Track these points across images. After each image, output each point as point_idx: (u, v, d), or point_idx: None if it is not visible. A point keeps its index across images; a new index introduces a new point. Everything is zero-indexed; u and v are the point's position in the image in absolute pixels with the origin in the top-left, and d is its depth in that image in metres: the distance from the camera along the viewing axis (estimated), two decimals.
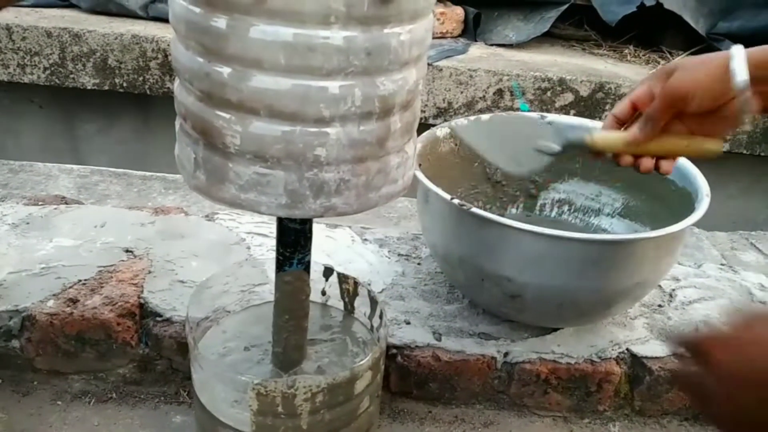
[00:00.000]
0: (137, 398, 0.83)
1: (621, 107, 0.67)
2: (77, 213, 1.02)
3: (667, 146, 0.66)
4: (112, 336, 0.80)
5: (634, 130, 0.65)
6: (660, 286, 0.98)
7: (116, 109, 1.72)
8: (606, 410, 0.86)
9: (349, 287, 0.77)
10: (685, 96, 0.60)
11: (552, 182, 1.04)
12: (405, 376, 0.83)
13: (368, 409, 0.66)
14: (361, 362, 0.61)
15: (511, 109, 1.51)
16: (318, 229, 1.04)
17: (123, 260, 0.91)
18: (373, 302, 0.74)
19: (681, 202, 0.86)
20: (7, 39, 1.55)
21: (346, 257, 0.98)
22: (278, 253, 0.61)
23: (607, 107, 1.56)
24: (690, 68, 0.61)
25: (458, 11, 1.81)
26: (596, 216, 1.03)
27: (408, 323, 0.86)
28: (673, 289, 0.98)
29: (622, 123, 0.69)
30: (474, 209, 0.74)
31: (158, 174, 1.37)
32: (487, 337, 0.85)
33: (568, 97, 1.55)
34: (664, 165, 0.68)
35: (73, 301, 0.82)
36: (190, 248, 0.94)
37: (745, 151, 1.61)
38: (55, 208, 1.03)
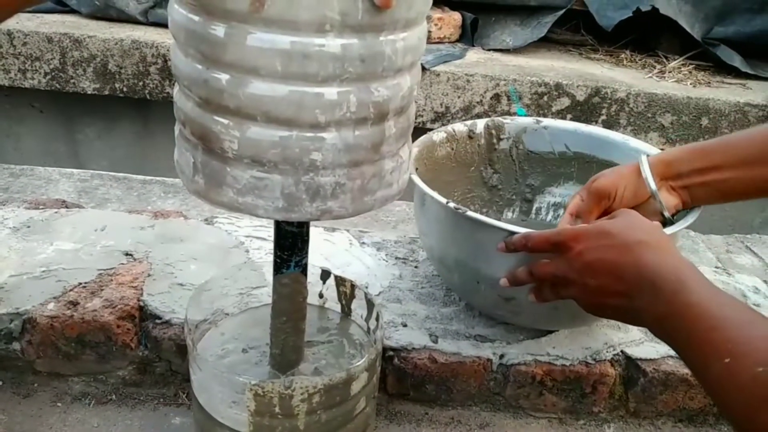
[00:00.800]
0: (137, 400, 0.84)
1: (562, 222, 0.76)
2: (77, 217, 1.03)
3: None
4: (112, 338, 0.81)
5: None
6: None
7: (116, 113, 1.73)
8: (601, 412, 0.87)
9: (346, 290, 0.78)
10: (608, 193, 0.70)
11: (547, 186, 1.05)
12: (402, 378, 0.83)
13: (365, 410, 0.67)
14: (358, 363, 0.62)
15: (508, 113, 1.52)
16: (316, 233, 1.05)
17: (123, 263, 0.92)
18: (370, 305, 0.75)
19: None
20: (8, 44, 1.56)
21: (344, 260, 0.99)
22: (276, 255, 0.62)
23: (604, 111, 1.57)
24: (610, 171, 0.73)
25: (456, 16, 1.83)
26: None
27: (405, 326, 0.87)
28: None
29: None
30: (469, 212, 0.75)
31: (158, 178, 1.38)
32: (483, 340, 0.86)
33: (565, 102, 1.56)
34: None
35: (74, 304, 0.83)
36: (189, 252, 0.95)
37: None
38: (56, 212, 1.04)
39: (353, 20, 0.46)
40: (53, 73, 1.59)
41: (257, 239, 1.01)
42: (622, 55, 1.86)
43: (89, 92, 1.61)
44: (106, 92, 1.60)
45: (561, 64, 1.73)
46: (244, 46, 0.46)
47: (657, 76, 1.72)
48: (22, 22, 1.61)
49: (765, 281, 1.06)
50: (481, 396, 0.86)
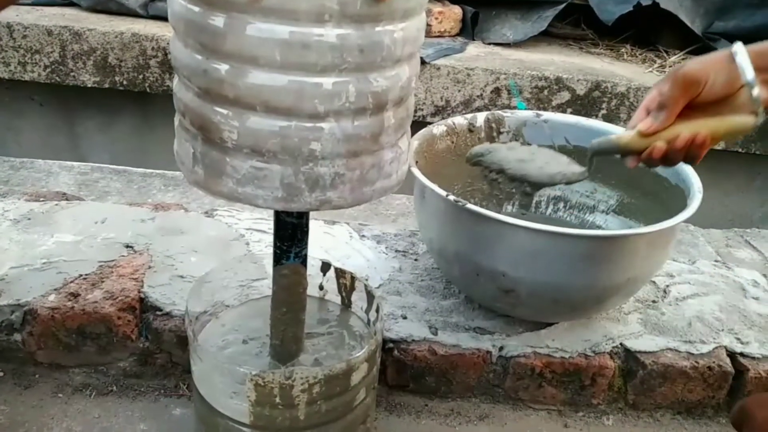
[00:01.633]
0: (137, 391, 0.84)
1: (636, 116, 0.68)
2: (78, 209, 1.03)
3: (696, 127, 0.63)
4: (112, 330, 0.82)
5: (648, 120, 0.64)
6: (654, 282, 1.00)
7: (116, 106, 1.73)
8: (600, 404, 0.87)
9: (346, 282, 0.78)
10: (698, 80, 0.61)
11: None
12: (401, 370, 0.84)
13: (364, 400, 0.67)
14: (358, 354, 0.62)
15: (508, 107, 1.52)
16: (316, 226, 1.05)
17: (123, 255, 0.92)
18: (370, 296, 0.75)
19: (674, 199, 0.87)
20: (8, 37, 1.56)
21: (344, 253, 0.99)
22: (275, 246, 0.63)
23: (604, 106, 1.57)
24: (699, 60, 0.63)
25: (456, 10, 1.82)
26: (591, 213, 1.04)
27: (405, 318, 0.87)
28: (667, 285, 1.00)
29: None
30: (469, 205, 0.75)
31: (158, 171, 1.38)
32: (482, 332, 0.86)
33: (565, 96, 1.56)
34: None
35: (74, 296, 0.83)
36: (189, 244, 0.96)
37: (740, 150, 1.62)
38: (56, 204, 1.04)
39: (352, 10, 0.46)
40: (53, 66, 1.59)
41: (257, 232, 1.02)
42: (623, 50, 1.85)
43: (89, 85, 1.60)
44: (106, 85, 1.60)
45: (561, 58, 1.72)
46: (244, 36, 0.46)
47: (657, 71, 1.72)
48: (21, 14, 1.61)
49: (764, 275, 1.06)
50: (481, 388, 0.86)
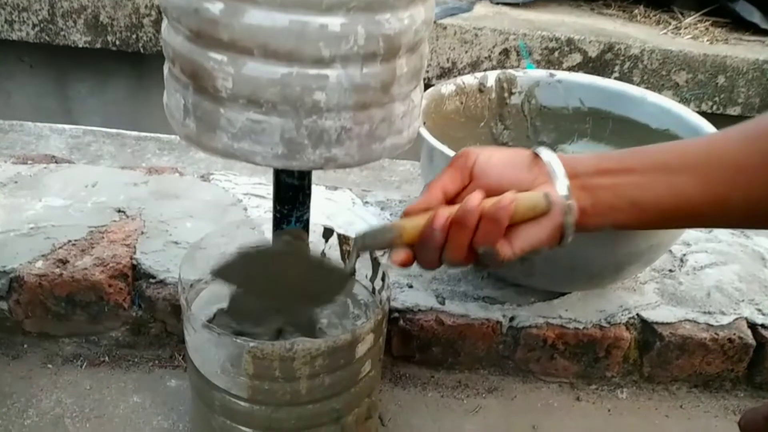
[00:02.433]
0: (131, 362, 0.80)
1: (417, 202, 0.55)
2: (67, 172, 0.98)
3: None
4: (103, 298, 0.78)
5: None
6: (670, 251, 0.95)
7: (109, 68, 1.66)
8: (614, 376, 0.84)
9: (350, 249, 0.74)
10: (467, 152, 0.53)
11: (560, 143, 1.00)
12: (407, 341, 0.80)
13: (370, 373, 0.63)
14: (363, 324, 0.58)
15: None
16: (317, 191, 1.01)
17: (115, 220, 0.87)
18: (375, 264, 0.71)
19: None
20: None
21: (347, 220, 0.95)
22: (275, 210, 0.58)
23: (616, 69, 1.51)
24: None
25: None
26: None
27: (410, 287, 0.83)
28: (684, 254, 0.95)
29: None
30: None
31: (153, 134, 1.33)
32: (492, 302, 0.82)
33: (576, 58, 1.50)
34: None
35: (63, 262, 0.79)
36: (184, 209, 0.91)
37: (757, 114, 1.56)
38: (45, 167, 0.99)
39: None
40: (42, 25, 1.52)
41: (256, 197, 0.97)
42: (636, 11, 1.78)
43: (80, 45, 1.54)
44: (98, 45, 1.54)
45: (572, 19, 1.65)
46: None
47: (672, 33, 1.65)
48: None
49: None
50: (490, 359, 0.83)
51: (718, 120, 0.90)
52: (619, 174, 0.51)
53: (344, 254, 0.75)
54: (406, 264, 0.51)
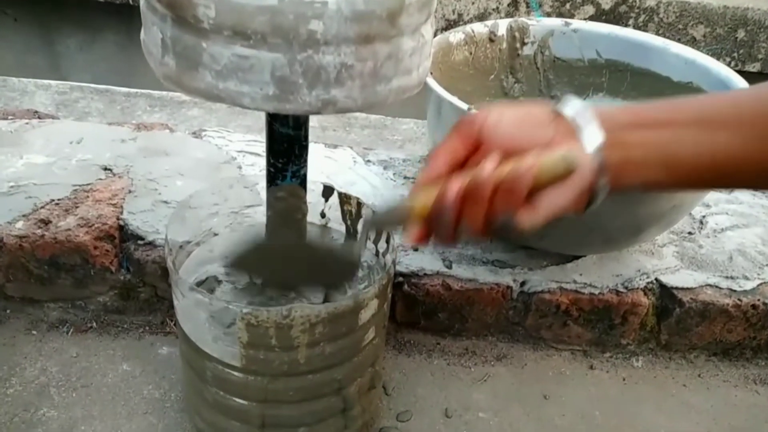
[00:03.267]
0: (119, 328, 0.76)
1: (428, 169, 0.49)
2: (51, 128, 0.93)
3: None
4: (89, 261, 0.73)
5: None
6: (689, 212, 0.90)
7: (98, 22, 1.58)
8: (629, 344, 0.79)
9: (351, 208, 0.69)
10: (473, 117, 0.46)
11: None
12: (412, 306, 0.76)
13: (373, 341, 0.59)
14: (367, 289, 0.53)
15: None
16: (317, 149, 0.95)
17: (101, 179, 0.82)
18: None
19: None
20: None
21: (348, 179, 0.90)
22: (269, 164, 0.53)
23: (631, 21, 1.43)
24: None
25: None
26: None
27: (416, 250, 0.78)
28: (704, 216, 0.90)
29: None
30: None
31: (143, 90, 1.27)
32: (502, 265, 0.78)
33: (589, 10, 1.42)
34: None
35: (45, 223, 0.74)
36: (174, 166, 0.86)
37: None
38: (27, 123, 0.93)
39: None
40: None
41: (251, 155, 0.91)
42: None
43: None
44: None
45: None
46: None
47: None
48: None
49: None
50: (499, 326, 0.79)
51: None
52: (654, 128, 0.45)
53: (345, 214, 0.69)
54: (421, 241, 0.46)
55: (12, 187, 0.79)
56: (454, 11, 1.40)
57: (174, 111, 1.20)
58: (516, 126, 0.45)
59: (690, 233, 0.87)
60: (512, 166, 0.42)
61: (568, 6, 1.41)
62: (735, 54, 1.48)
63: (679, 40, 1.46)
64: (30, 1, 1.52)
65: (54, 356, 0.72)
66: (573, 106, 0.45)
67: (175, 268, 0.55)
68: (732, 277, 0.79)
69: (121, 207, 0.77)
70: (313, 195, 0.65)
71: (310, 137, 0.53)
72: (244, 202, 0.71)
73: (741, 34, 1.45)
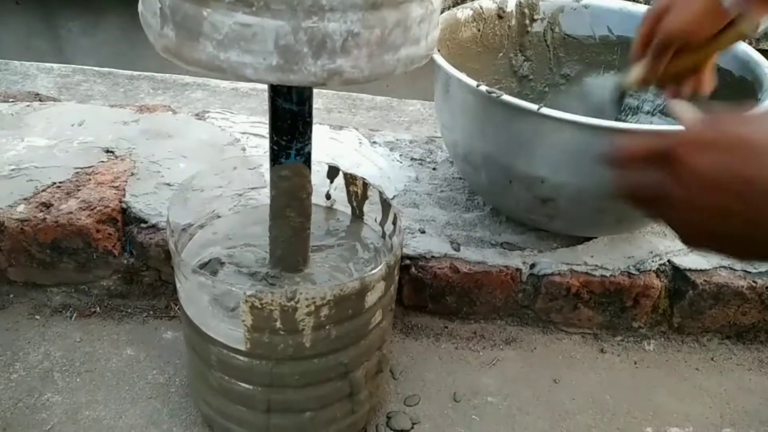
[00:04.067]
0: (123, 312, 0.75)
1: (634, 50, 0.65)
2: (53, 110, 0.91)
3: (698, 57, 0.61)
4: (91, 244, 0.72)
5: (647, 65, 0.63)
6: None
7: (101, 5, 1.57)
8: (641, 327, 0.78)
9: (357, 190, 0.67)
10: (681, 36, 0.60)
11: (584, 77, 0.91)
12: (419, 289, 0.74)
13: (380, 324, 0.57)
14: (374, 271, 0.52)
15: None
16: (322, 131, 0.93)
17: (103, 161, 0.81)
18: (386, 206, 0.64)
19: (739, 95, 0.75)
20: None
21: (353, 161, 0.88)
22: (272, 141, 0.51)
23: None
24: (680, 6, 0.61)
25: None
26: (634, 115, 0.91)
27: (423, 232, 0.77)
28: None
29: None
30: (506, 96, 0.62)
31: (146, 73, 1.25)
32: (511, 248, 0.76)
33: None
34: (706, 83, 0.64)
35: (47, 206, 0.72)
36: (177, 148, 0.84)
37: None
38: (28, 105, 0.92)
39: None
40: None
41: (255, 136, 0.90)
42: None
43: None
44: None
45: None
46: None
47: None
48: None
49: None
50: (508, 309, 0.77)
51: None
52: None
53: (351, 195, 0.68)
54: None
55: (13, 170, 0.78)
56: None
57: (177, 93, 1.19)
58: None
59: None
60: None
61: None
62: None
63: None
64: None
65: (57, 341, 0.71)
66: None
67: (178, 250, 0.54)
68: None
69: (124, 190, 0.76)
70: (318, 176, 0.63)
71: (315, 120, 0.51)
72: (248, 183, 0.69)
73: None
